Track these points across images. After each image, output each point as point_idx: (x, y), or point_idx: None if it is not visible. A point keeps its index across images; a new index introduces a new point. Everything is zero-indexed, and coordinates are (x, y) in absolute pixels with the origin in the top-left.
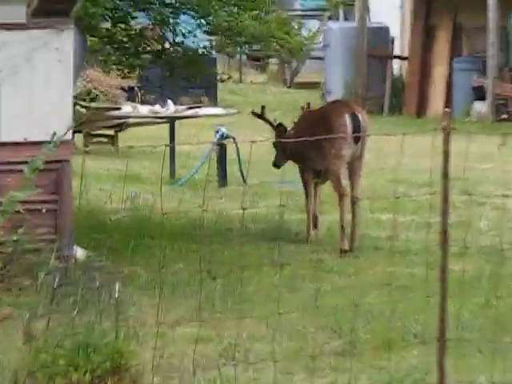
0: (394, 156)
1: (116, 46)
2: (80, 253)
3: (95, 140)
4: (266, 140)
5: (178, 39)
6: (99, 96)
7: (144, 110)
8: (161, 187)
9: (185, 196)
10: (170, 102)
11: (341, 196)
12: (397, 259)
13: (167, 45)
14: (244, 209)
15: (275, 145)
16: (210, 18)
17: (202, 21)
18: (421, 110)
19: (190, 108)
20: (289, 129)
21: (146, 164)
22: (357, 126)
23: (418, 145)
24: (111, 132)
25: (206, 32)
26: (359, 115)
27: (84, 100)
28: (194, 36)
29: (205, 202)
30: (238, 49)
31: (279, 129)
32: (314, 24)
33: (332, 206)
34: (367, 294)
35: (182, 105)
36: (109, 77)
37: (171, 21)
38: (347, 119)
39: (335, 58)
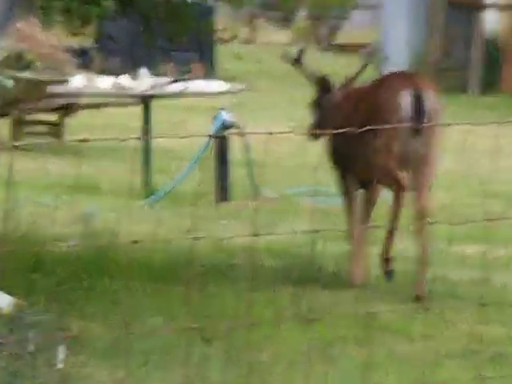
0: (484, 157)
1: None
2: (6, 301)
3: (30, 129)
4: (289, 131)
5: None
6: (35, 62)
7: (104, 83)
8: (129, 202)
9: (165, 215)
10: (143, 71)
11: (399, 190)
12: (489, 314)
13: None
14: (256, 235)
15: (313, 105)
16: None
17: None
18: None
19: (175, 81)
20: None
21: (106, 167)
22: (420, 110)
23: None
24: (54, 117)
25: None
26: (425, 94)
27: (12, 68)
28: None
29: (196, 224)
30: None
31: (322, 83)
32: None
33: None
34: (442, 366)
35: (162, 76)
36: (51, 34)
37: None
38: (404, 99)
39: (397, 6)
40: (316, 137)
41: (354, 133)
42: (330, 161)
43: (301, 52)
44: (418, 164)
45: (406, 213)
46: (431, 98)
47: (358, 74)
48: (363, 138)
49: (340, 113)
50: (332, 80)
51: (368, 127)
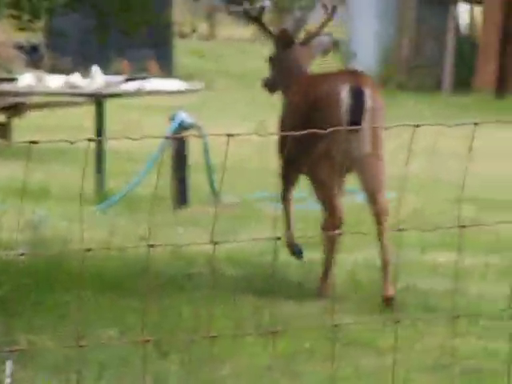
0: (457, 160)
1: None
2: None
3: None
4: (251, 133)
5: None
6: None
7: (55, 82)
8: (81, 208)
9: (120, 222)
10: (96, 69)
11: (334, 222)
12: (462, 326)
13: None
14: (215, 243)
15: (270, 60)
16: None
17: None
18: (502, 85)
19: (129, 80)
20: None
21: (57, 170)
22: (359, 107)
23: (498, 141)
24: (1, 118)
25: None
26: (365, 90)
27: None
28: None
29: (152, 231)
30: None
31: (283, 38)
32: None
33: (359, 240)
34: (412, 381)
35: (116, 74)
36: None
37: None
38: (343, 95)
39: (365, 1)
40: (272, 91)
41: (298, 128)
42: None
43: (261, 9)
44: (363, 162)
45: (372, 219)
46: (372, 95)
47: (319, 29)
48: (304, 137)
49: (290, 96)
50: (291, 35)
51: (308, 128)
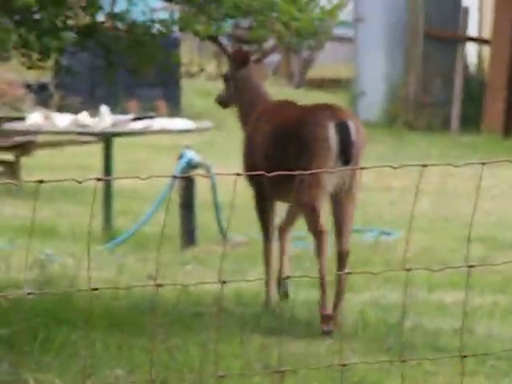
0: (466, 199)
1: (17, 16)
2: None
3: None
4: (259, 173)
5: (119, 8)
6: None
7: (63, 121)
8: (89, 246)
9: (128, 261)
10: (104, 108)
11: (318, 235)
12: (470, 366)
13: (101, 17)
14: (223, 282)
15: (225, 78)
16: None
17: None
18: (510, 125)
19: (138, 119)
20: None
21: (65, 209)
22: (345, 141)
23: (506, 181)
24: (10, 156)
25: None
26: (350, 124)
27: None
28: (144, 5)
29: (160, 270)
30: (215, 26)
31: (239, 56)
32: None
33: (367, 280)
34: None
35: (124, 113)
36: (6, 67)
37: None
38: (331, 130)
39: (372, 40)
40: (225, 107)
41: (276, 154)
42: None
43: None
44: (341, 197)
45: (383, 258)
46: (356, 129)
47: (272, 49)
48: (287, 164)
49: (265, 120)
50: (247, 54)
51: (285, 157)
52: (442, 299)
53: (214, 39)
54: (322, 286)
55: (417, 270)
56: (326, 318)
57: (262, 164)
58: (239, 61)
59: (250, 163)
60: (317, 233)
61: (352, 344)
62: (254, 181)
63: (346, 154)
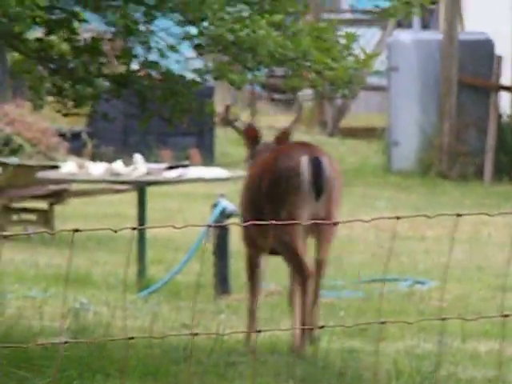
0: (499, 248)
1: (53, 65)
2: None
3: (17, 218)
4: (294, 222)
5: (153, 57)
6: (24, 147)
7: (97, 169)
8: (124, 295)
9: (162, 310)
10: (138, 157)
11: (304, 278)
12: None
13: (135, 65)
14: (258, 331)
15: (247, 159)
16: (205, 25)
17: (192, 29)
18: None
19: (172, 168)
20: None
21: (99, 257)
22: (318, 175)
23: None
24: (44, 205)
25: (199, 47)
26: (322, 159)
27: (0, 153)
28: (179, 53)
29: (194, 319)
30: (249, 75)
31: (250, 134)
32: (371, 34)
33: (401, 329)
34: None
35: (157, 162)
36: (40, 116)
37: (142, 28)
38: (303, 164)
39: (406, 89)
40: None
41: (263, 200)
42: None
43: (227, 108)
44: (319, 231)
45: (417, 308)
46: (328, 164)
47: (291, 126)
48: (269, 208)
49: (251, 178)
50: (258, 130)
51: (271, 199)
52: (475, 348)
53: (228, 122)
54: (302, 320)
55: (451, 319)
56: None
57: (250, 211)
58: (252, 139)
59: (244, 215)
60: (301, 275)
61: None
62: (244, 231)
63: (319, 187)
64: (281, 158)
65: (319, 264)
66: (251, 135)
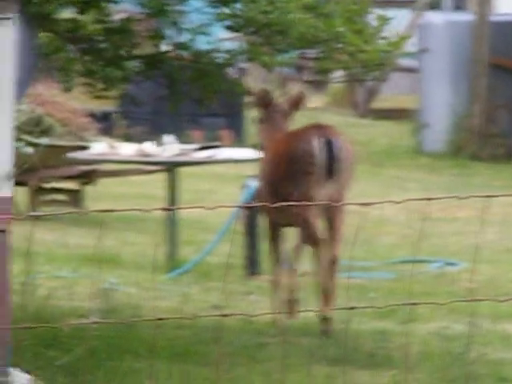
0: None
1: (84, 46)
2: (22, 380)
3: (49, 198)
4: (325, 203)
5: (184, 38)
6: (55, 127)
7: (127, 150)
8: (153, 276)
9: (192, 290)
10: (169, 137)
11: (314, 244)
12: None
13: (166, 46)
14: (287, 312)
15: (258, 123)
16: (237, 7)
17: (224, 10)
18: None
19: (202, 148)
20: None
21: (129, 238)
22: (331, 156)
23: None
24: (74, 185)
25: (230, 28)
26: (334, 140)
27: (31, 134)
28: (210, 34)
29: (224, 300)
30: (281, 57)
31: (262, 98)
32: (402, 16)
33: (432, 310)
34: None
35: (188, 143)
36: (71, 97)
37: (173, 9)
38: (316, 145)
39: (437, 70)
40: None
41: (278, 179)
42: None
43: (264, 92)
44: (331, 210)
45: (448, 289)
46: (341, 145)
47: (301, 96)
48: (284, 186)
49: (268, 157)
50: (270, 93)
51: (286, 179)
52: (506, 330)
53: (265, 104)
54: (323, 290)
55: (482, 300)
56: (324, 320)
57: (268, 190)
58: (263, 102)
59: (262, 192)
60: (313, 242)
61: (416, 374)
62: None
63: (331, 169)
64: (296, 140)
65: (333, 244)
66: (263, 100)
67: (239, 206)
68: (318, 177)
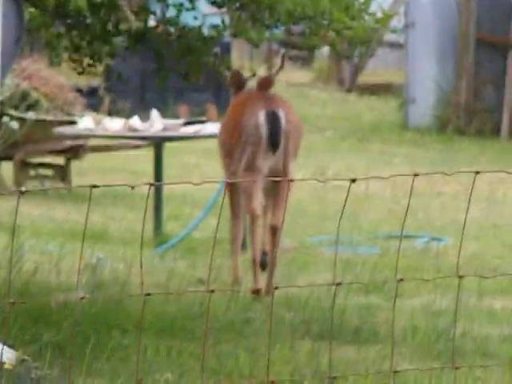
0: None
1: (70, 21)
2: (9, 355)
3: (34, 173)
4: (311, 178)
5: (170, 13)
6: (41, 102)
7: (114, 125)
8: (141, 250)
9: (179, 265)
10: (155, 112)
11: (251, 218)
12: None
13: (152, 21)
14: (275, 288)
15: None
16: None
17: None
18: None
19: (189, 123)
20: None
21: (116, 213)
22: (276, 129)
23: None
24: (60, 160)
25: (215, 3)
26: (279, 113)
27: (17, 108)
28: (195, 9)
29: (211, 274)
30: (267, 33)
31: (235, 79)
32: None
33: (418, 285)
34: None
35: (174, 118)
36: (58, 72)
37: None
38: (261, 117)
39: (423, 46)
40: None
41: (231, 148)
42: None
43: (236, 73)
44: (276, 180)
45: (433, 264)
46: (287, 117)
47: (274, 74)
48: (230, 150)
49: (222, 126)
50: (243, 76)
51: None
52: (492, 306)
53: (238, 85)
54: (254, 262)
55: (468, 276)
56: (255, 291)
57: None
58: (235, 84)
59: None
60: (250, 215)
61: (402, 349)
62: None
63: (274, 141)
64: (243, 111)
65: (275, 214)
66: (236, 81)
67: (226, 181)
68: (261, 148)
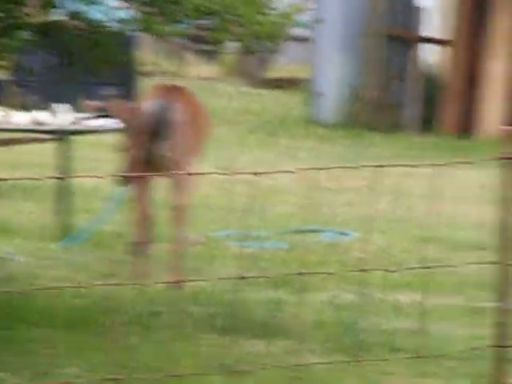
0: (421, 201)
1: None
2: None
3: None
4: (218, 172)
5: (76, 7)
6: None
7: (20, 118)
8: (44, 245)
9: (86, 259)
10: (62, 106)
11: (137, 207)
12: (426, 367)
13: (57, 15)
14: (180, 281)
15: None
16: None
17: None
18: (466, 126)
19: (96, 117)
20: None
21: (25, 207)
22: (161, 119)
23: (461, 183)
24: None
25: None
26: (168, 104)
27: None
28: (102, 4)
29: (117, 269)
30: (176, 27)
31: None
32: None
33: (324, 280)
34: None
35: (81, 112)
36: None
37: None
38: (149, 107)
39: (331, 41)
40: None
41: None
42: None
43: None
44: (166, 166)
45: (339, 259)
46: (179, 109)
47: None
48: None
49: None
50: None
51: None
52: (398, 300)
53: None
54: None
55: (374, 270)
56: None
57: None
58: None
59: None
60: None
61: (308, 344)
62: None
63: (162, 130)
64: (143, 101)
65: (177, 209)
66: (119, 112)
67: (132, 175)
68: (143, 138)
